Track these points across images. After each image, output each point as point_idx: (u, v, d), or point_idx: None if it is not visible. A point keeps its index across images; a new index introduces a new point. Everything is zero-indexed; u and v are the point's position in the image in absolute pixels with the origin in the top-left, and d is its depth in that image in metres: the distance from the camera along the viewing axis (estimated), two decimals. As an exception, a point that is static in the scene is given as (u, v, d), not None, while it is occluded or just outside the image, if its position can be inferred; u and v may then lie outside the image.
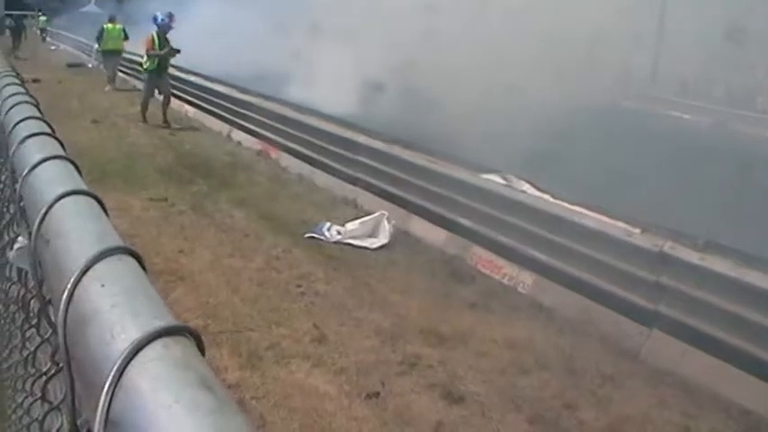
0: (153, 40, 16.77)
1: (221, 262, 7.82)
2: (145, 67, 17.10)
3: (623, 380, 5.81)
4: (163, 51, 16.75)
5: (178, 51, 17.09)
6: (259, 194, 10.88)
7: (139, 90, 19.10)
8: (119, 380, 0.70)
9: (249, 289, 7.14)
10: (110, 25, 24.53)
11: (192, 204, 9.98)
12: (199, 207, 9.89)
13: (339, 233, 8.85)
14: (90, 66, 30.57)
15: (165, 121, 16.86)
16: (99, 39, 24.85)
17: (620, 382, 5.77)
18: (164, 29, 16.94)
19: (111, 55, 24.71)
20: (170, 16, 17.15)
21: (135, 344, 0.71)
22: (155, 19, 17.04)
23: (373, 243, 8.71)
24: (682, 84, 30.66)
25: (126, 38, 24.36)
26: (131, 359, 0.70)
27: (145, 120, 17.13)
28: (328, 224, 9.04)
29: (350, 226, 8.94)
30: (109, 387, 0.69)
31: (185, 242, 8.33)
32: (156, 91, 17.25)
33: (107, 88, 23.90)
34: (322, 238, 8.79)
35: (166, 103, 17.10)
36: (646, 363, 6.10)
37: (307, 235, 8.86)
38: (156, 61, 16.75)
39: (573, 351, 6.22)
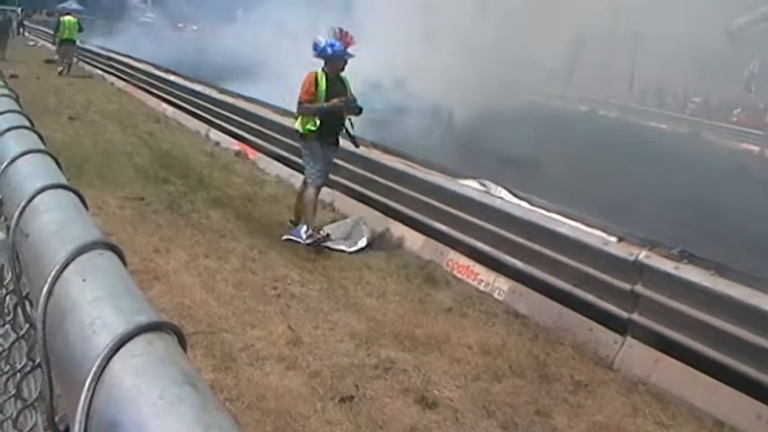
0: (315, 81, 8.79)
1: (197, 262, 7.78)
2: (299, 129, 8.96)
3: (596, 387, 5.83)
4: (331, 104, 8.73)
5: (358, 109, 9.08)
6: (236, 195, 10.84)
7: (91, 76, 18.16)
8: (101, 375, 0.69)
9: (224, 290, 7.11)
10: (66, 18, 27.88)
11: (168, 204, 9.92)
12: (175, 207, 9.83)
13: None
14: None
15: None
16: (56, 30, 27.77)
17: (593, 390, 5.79)
18: (335, 61, 8.86)
19: (67, 44, 27.58)
20: (343, 34, 8.91)
21: (118, 339, 0.70)
22: (315, 47, 8.87)
23: (350, 246, 8.70)
24: (659, 93, 30.93)
25: (80, 29, 27.92)
26: (114, 354, 0.69)
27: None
28: (305, 227, 9.02)
29: (326, 229, 8.92)
30: (90, 383, 0.68)
31: (161, 242, 8.27)
32: (310, 184, 8.99)
33: (60, 69, 26.85)
34: (299, 240, 8.75)
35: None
36: (619, 371, 6.13)
37: (283, 237, 8.83)
38: (319, 123, 8.74)
39: (547, 358, 6.25)
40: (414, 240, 8.90)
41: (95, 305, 0.78)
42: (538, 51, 20.63)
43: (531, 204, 7.94)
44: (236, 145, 14.19)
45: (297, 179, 11.49)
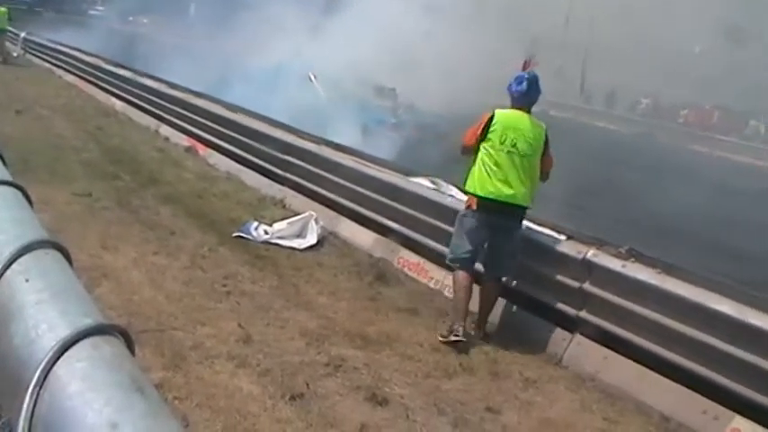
0: (488, 124, 6.60)
1: (146, 259, 7.68)
2: (467, 187, 6.83)
3: (546, 384, 5.89)
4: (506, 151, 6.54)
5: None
6: (186, 192, 10.74)
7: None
8: (44, 380, 0.66)
9: (174, 287, 7.03)
10: None
11: (117, 200, 9.80)
12: (124, 203, 9.71)
13: (266, 233, 8.78)
14: (15, 55, 29.98)
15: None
16: None
17: (542, 387, 5.85)
18: (523, 99, 6.74)
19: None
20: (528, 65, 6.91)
21: (62, 342, 0.68)
22: (510, 87, 6.76)
23: (301, 244, 8.67)
24: (609, 95, 31.31)
25: (10, 18, 29.58)
26: (58, 359, 0.67)
27: None
28: (256, 223, 8.98)
29: (277, 226, 8.89)
30: (34, 388, 0.66)
31: (109, 238, 8.15)
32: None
33: None
34: (249, 237, 8.71)
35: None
36: (568, 368, 6.21)
37: (234, 234, 8.78)
38: (488, 171, 6.56)
39: (497, 355, 6.29)
40: (365, 238, 8.90)
41: (39, 307, 0.75)
42: (493, 55, 20.77)
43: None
44: (186, 140, 14.06)
45: (246, 175, 11.46)
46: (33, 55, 30.01)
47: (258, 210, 9.95)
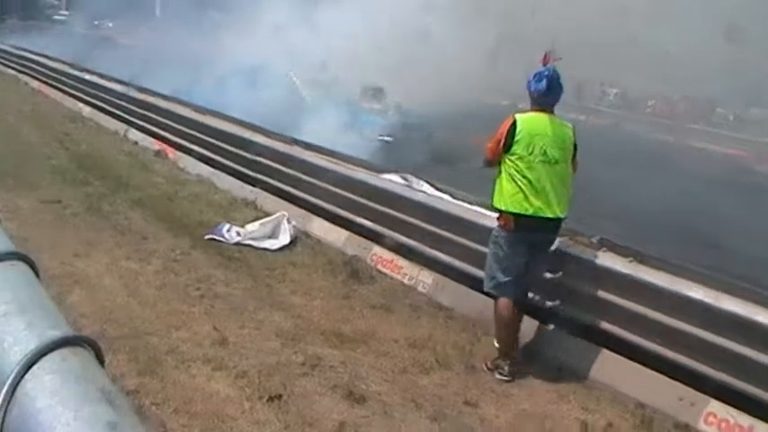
0: (510, 132, 5.89)
1: (118, 265, 7.64)
2: (497, 204, 6.08)
3: (523, 377, 5.93)
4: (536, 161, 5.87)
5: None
6: (157, 196, 10.68)
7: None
8: (12, 395, 0.66)
9: (147, 292, 7.00)
10: None
11: (87, 206, 9.72)
12: (95, 209, 9.64)
13: (239, 234, 8.76)
14: None
15: None
16: None
17: (518, 379, 5.88)
18: (544, 98, 6.03)
19: None
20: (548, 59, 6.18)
21: (30, 356, 0.67)
22: (529, 86, 6.05)
23: (273, 244, 8.66)
24: (577, 87, 31.46)
25: None
26: (26, 372, 0.66)
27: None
28: (228, 225, 8.94)
29: (250, 227, 8.86)
30: (2, 403, 0.65)
31: (81, 245, 8.09)
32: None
33: None
34: (222, 239, 8.68)
35: None
36: (544, 359, 6.24)
37: (206, 236, 8.74)
38: (521, 186, 5.87)
39: (473, 349, 6.33)
40: (338, 236, 8.90)
41: (5, 320, 0.75)
42: (464, 51, 20.76)
43: (454, 197, 8.02)
44: (155, 144, 13.97)
45: (217, 177, 11.41)
46: (-3, 62, 29.70)
47: (230, 212, 9.92)
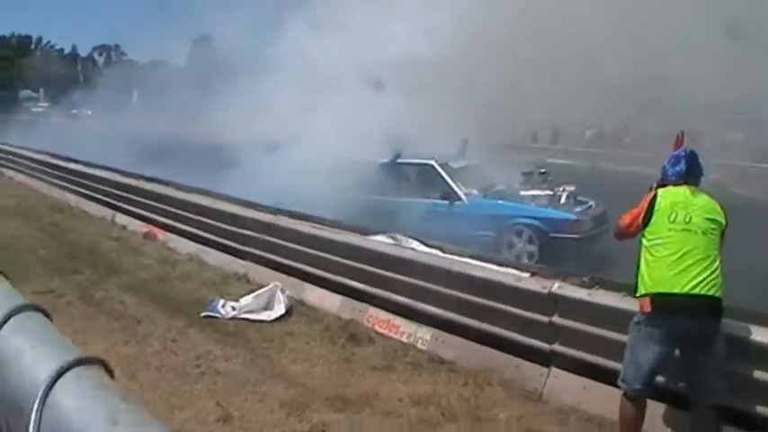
0: (651, 204, 5.27)
1: (116, 350, 7.60)
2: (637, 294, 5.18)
3: (530, 421, 5.92)
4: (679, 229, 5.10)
5: None
6: (149, 278, 10.69)
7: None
8: (44, 403, 0.78)
9: (147, 375, 6.97)
10: None
11: (79, 294, 9.71)
12: (87, 296, 9.63)
13: (234, 309, 8.76)
14: None
15: None
16: None
17: (527, 424, 5.87)
18: (683, 180, 5.36)
19: None
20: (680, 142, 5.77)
21: (56, 371, 0.78)
22: (665, 172, 5.46)
23: (269, 315, 8.66)
24: (554, 131, 31.89)
25: None
26: (54, 384, 0.77)
27: None
28: (222, 301, 8.96)
29: (244, 301, 8.87)
30: (37, 408, 0.77)
31: (76, 333, 8.02)
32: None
33: None
34: (217, 315, 8.68)
35: None
36: (549, 402, 6.25)
37: (202, 314, 8.74)
38: (659, 260, 5.07)
39: (477, 400, 6.31)
40: (332, 302, 8.92)
41: (34, 350, 0.85)
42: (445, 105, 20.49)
43: (443, 252, 8.07)
44: (143, 227, 14.02)
45: (208, 254, 11.43)
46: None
47: (223, 287, 9.93)
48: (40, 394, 0.79)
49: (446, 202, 13.25)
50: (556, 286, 6.41)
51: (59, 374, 0.82)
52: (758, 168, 26.29)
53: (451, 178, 13.53)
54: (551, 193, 13.02)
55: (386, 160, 14.40)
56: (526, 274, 6.85)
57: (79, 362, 0.83)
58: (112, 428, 0.75)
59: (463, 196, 13.27)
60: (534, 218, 11.98)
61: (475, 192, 13.48)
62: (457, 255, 7.82)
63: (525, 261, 10.38)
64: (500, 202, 13.00)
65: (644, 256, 5.17)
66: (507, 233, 12.41)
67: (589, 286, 6.29)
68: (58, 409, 0.79)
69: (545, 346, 6.52)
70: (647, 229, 5.20)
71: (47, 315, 0.96)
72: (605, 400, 5.90)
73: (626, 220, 5.48)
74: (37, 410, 0.78)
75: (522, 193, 13.25)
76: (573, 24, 21.10)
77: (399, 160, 14.39)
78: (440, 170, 13.71)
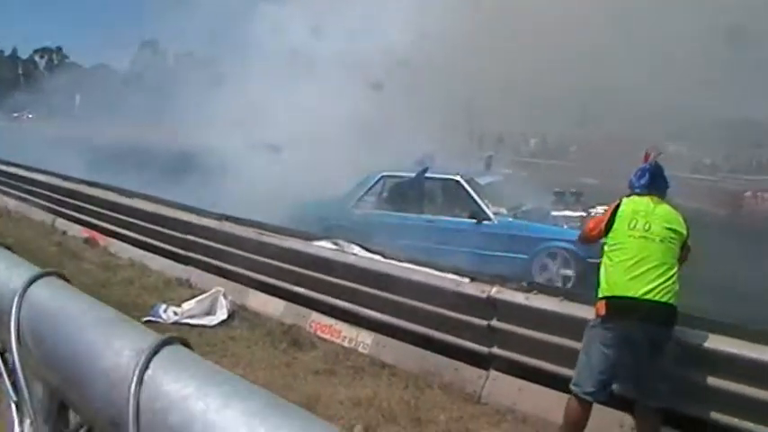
0: (614, 212, 5.47)
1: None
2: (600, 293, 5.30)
3: (468, 422, 6.03)
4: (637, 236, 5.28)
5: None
6: (89, 283, 10.54)
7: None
8: (141, 382, 1.02)
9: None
10: None
11: (18, 300, 9.58)
12: (26, 302, 9.50)
13: (176, 314, 8.75)
14: None
15: None
16: None
17: (465, 425, 5.99)
18: (647, 192, 5.53)
19: None
20: (649, 157, 5.79)
21: (148, 351, 1.09)
22: (632, 185, 5.62)
23: (211, 320, 8.67)
24: (498, 139, 32.17)
25: None
26: (149, 362, 1.05)
27: None
28: (164, 306, 8.94)
29: (186, 306, 8.87)
30: (135, 388, 1.01)
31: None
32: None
33: None
34: (159, 320, 8.65)
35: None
36: (487, 404, 6.38)
37: (144, 319, 8.67)
38: (616, 264, 5.26)
39: (418, 402, 6.41)
40: (275, 307, 8.94)
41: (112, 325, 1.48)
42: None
43: (384, 257, 8.16)
44: (84, 232, 13.87)
45: (150, 260, 11.36)
46: None
47: (165, 292, 9.88)
48: (136, 374, 1.05)
49: (473, 221, 12.17)
50: (494, 291, 6.55)
51: (153, 353, 1.10)
52: (699, 180, 26.99)
53: (479, 195, 12.46)
54: (585, 214, 11.49)
55: (411, 174, 13.16)
56: (466, 279, 6.96)
57: (164, 342, 1.18)
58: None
59: (492, 215, 12.18)
60: (570, 241, 10.76)
61: (503, 210, 12.43)
62: (397, 259, 7.91)
63: (559, 285, 10.18)
64: (532, 223, 12.12)
65: (604, 261, 5.35)
66: (540, 256, 11.66)
67: (527, 291, 6.43)
68: (154, 387, 1.04)
69: (484, 349, 6.65)
70: (609, 235, 5.40)
71: (66, 280, 1.19)
72: (540, 401, 6.07)
73: (590, 225, 5.79)
74: (135, 393, 1.03)
75: (554, 213, 12.46)
76: (524, 37, 21.34)
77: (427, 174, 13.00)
78: (467, 187, 12.58)
